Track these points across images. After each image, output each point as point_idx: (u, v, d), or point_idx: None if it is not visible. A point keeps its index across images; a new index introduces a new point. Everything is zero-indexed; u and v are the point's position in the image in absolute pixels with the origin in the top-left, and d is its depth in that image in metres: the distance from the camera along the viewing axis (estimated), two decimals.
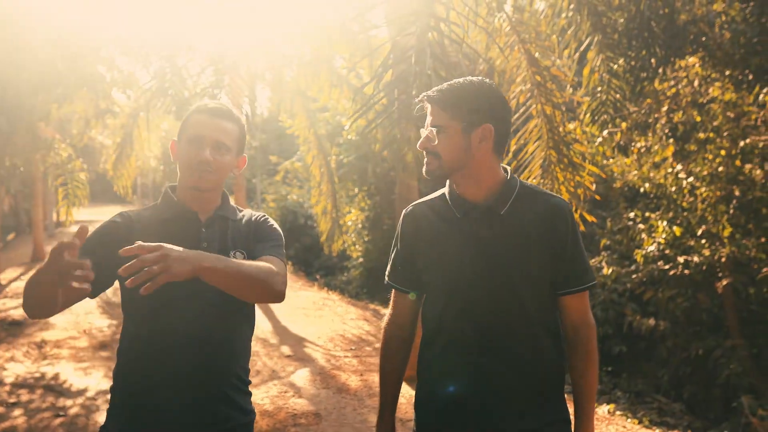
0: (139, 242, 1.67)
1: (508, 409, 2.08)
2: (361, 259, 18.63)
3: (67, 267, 1.60)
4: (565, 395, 2.22)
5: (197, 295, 2.08)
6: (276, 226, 2.37)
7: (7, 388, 7.00)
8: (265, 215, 2.40)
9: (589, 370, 2.15)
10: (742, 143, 8.32)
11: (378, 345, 9.10)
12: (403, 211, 2.30)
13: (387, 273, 2.36)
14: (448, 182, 2.22)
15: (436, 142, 2.09)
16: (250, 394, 2.35)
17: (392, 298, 2.37)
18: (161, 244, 1.70)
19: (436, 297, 2.19)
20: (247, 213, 2.36)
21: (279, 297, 2.06)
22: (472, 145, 2.08)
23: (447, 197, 2.20)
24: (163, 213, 2.20)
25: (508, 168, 2.20)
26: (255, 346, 8.91)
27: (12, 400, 6.61)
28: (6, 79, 7.75)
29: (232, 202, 2.36)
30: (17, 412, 6.30)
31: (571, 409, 2.19)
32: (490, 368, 2.08)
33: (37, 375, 7.41)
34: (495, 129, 2.08)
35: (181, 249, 1.74)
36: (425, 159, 2.15)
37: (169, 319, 2.09)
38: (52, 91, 8.72)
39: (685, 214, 9.95)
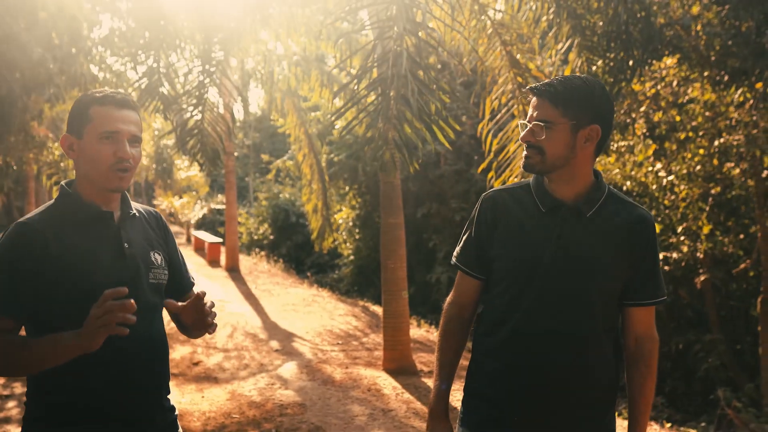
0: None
1: (561, 409, 2.08)
2: (351, 257, 18.81)
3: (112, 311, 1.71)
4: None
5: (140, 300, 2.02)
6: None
7: (2, 381, 7.18)
8: (158, 212, 2.33)
9: (648, 384, 2.14)
10: (717, 142, 8.53)
11: (365, 340, 9.29)
12: (483, 195, 2.28)
13: (455, 253, 2.32)
14: (536, 176, 2.19)
15: (543, 136, 2.06)
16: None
17: (457, 279, 2.33)
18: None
19: (506, 287, 2.16)
20: (140, 207, 2.24)
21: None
22: (577, 144, 2.06)
23: (532, 189, 2.17)
24: (75, 216, 2.01)
25: (599, 172, 2.19)
26: (244, 341, 9.09)
27: (6, 392, 6.79)
28: None
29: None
30: (11, 403, 6.49)
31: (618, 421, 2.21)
32: (551, 367, 2.07)
33: None
34: (602, 131, 2.07)
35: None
36: (525, 152, 2.11)
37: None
38: (44, 90, 8.87)
39: (667, 211, 10.17)
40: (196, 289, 2.19)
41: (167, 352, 2.19)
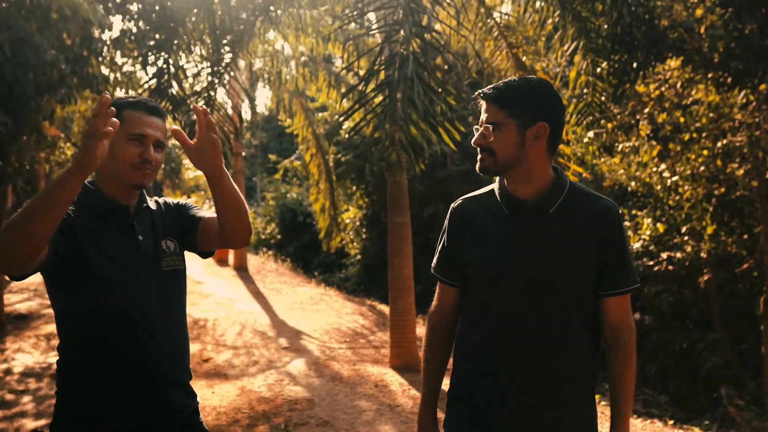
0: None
1: (545, 406, 2.10)
2: (358, 257, 18.88)
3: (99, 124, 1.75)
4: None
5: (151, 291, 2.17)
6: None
7: (16, 376, 7.33)
8: (167, 198, 2.46)
9: (626, 373, 2.14)
10: (720, 143, 8.61)
11: (372, 338, 9.41)
12: (452, 205, 2.32)
13: (433, 264, 2.38)
14: (498, 178, 2.22)
15: (492, 138, 2.10)
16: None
17: (437, 290, 2.38)
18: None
19: (478, 291, 2.20)
20: (157, 200, 2.40)
21: (249, 233, 2.25)
22: (526, 143, 2.08)
23: (496, 193, 2.21)
24: (95, 208, 2.17)
25: (559, 168, 2.20)
26: (253, 338, 9.22)
27: (21, 387, 6.94)
28: (11, 79, 8.01)
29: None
30: (26, 398, 6.63)
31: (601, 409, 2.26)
32: (526, 366, 2.10)
33: (45, 365, 7.72)
34: (550, 127, 2.09)
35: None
36: (479, 155, 2.16)
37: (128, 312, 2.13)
38: (56, 91, 8.99)
39: (672, 212, 10.26)
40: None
41: (187, 339, 2.31)
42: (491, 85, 2.15)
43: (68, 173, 1.78)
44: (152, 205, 2.32)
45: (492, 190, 2.23)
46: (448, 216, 2.32)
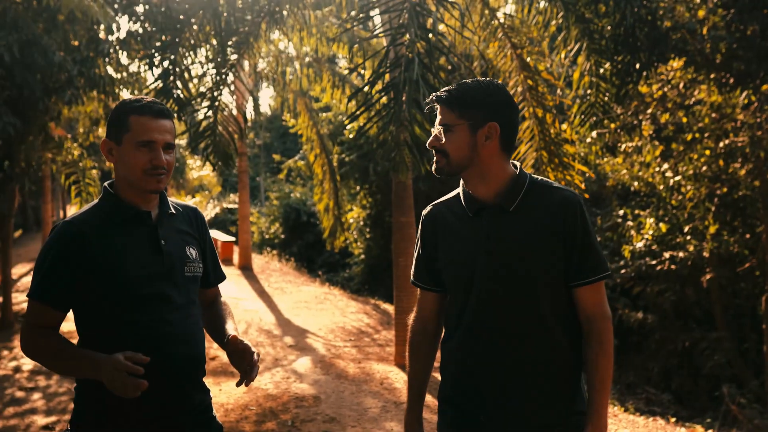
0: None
1: (525, 401, 2.11)
2: (362, 256, 18.94)
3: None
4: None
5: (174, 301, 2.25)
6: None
7: (26, 374, 7.42)
8: (197, 208, 2.49)
9: (601, 362, 2.11)
10: (722, 143, 8.68)
11: (377, 336, 9.49)
12: (423, 212, 2.35)
13: (412, 272, 2.41)
14: (462, 182, 2.24)
15: (444, 140, 2.13)
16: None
17: (417, 296, 2.42)
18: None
19: (454, 294, 2.23)
20: (180, 204, 2.43)
21: None
22: (478, 143, 2.10)
23: (461, 196, 2.23)
24: (117, 216, 2.20)
25: (518, 164, 2.21)
26: (259, 336, 9.30)
27: (30, 385, 7.03)
28: (20, 81, 8.11)
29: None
30: (36, 395, 6.72)
31: None
32: (503, 363, 2.12)
33: None
34: (501, 127, 2.10)
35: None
36: (434, 157, 2.18)
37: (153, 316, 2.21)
38: (63, 92, 9.08)
39: (675, 211, 10.33)
40: (223, 292, 2.40)
41: (203, 341, 2.36)
42: (444, 89, 2.18)
43: (87, 370, 2.08)
44: (174, 211, 2.34)
45: (458, 194, 2.26)
46: (420, 223, 2.36)
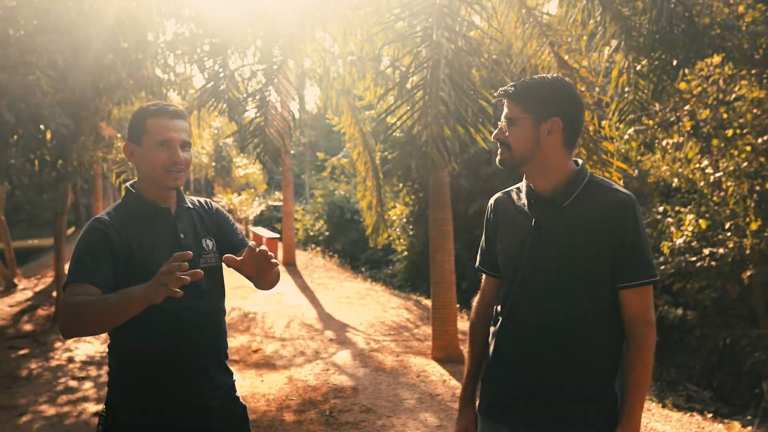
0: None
1: (553, 394, 2.16)
2: (405, 253, 19.09)
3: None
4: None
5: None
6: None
7: (78, 364, 7.77)
8: (209, 200, 2.65)
9: (637, 366, 2.11)
10: (762, 139, 8.62)
11: (416, 331, 9.64)
12: (490, 200, 2.48)
13: (478, 258, 2.54)
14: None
15: (507, 133, 2.21)
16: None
17: (482, 280, 2.52)
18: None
19: (504, 279, 2.34)
20: (195, 200, 2.58)
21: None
22: (540, 137, 2.17)
23: (523, 187, 2.32)
24: (139, 212, 2.37)
25: (580, 161, 2.26)
26: (300, 330, 9.53)
27: (82, 374, 7.36)
28: (73, 83, 8.43)
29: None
30: (87, 384, 7.04)
31: None
32: (538, 351, 2.19)
33: (104, 354, 8.14)
34: (564, 123, 2.17)
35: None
36: (498, 149, 2.25)
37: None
38: (113, 93, 9.41)
39: (716, 207, 10.27)
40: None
41: (224, 325, 2.55)
42: (511, 83, 2.25)
43: (135, 301, 1.99)
44: (191, 206, 2.52)
45: (522, 184, 2.35)
46: (487, 209, 2.49)
